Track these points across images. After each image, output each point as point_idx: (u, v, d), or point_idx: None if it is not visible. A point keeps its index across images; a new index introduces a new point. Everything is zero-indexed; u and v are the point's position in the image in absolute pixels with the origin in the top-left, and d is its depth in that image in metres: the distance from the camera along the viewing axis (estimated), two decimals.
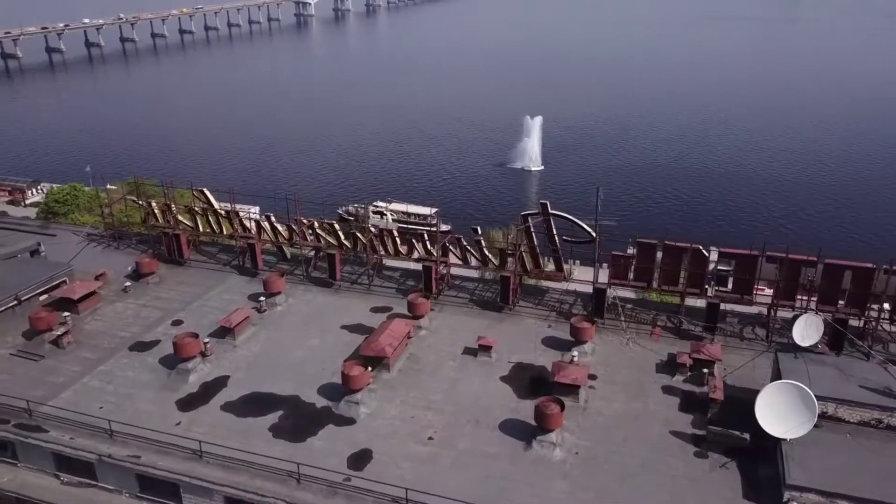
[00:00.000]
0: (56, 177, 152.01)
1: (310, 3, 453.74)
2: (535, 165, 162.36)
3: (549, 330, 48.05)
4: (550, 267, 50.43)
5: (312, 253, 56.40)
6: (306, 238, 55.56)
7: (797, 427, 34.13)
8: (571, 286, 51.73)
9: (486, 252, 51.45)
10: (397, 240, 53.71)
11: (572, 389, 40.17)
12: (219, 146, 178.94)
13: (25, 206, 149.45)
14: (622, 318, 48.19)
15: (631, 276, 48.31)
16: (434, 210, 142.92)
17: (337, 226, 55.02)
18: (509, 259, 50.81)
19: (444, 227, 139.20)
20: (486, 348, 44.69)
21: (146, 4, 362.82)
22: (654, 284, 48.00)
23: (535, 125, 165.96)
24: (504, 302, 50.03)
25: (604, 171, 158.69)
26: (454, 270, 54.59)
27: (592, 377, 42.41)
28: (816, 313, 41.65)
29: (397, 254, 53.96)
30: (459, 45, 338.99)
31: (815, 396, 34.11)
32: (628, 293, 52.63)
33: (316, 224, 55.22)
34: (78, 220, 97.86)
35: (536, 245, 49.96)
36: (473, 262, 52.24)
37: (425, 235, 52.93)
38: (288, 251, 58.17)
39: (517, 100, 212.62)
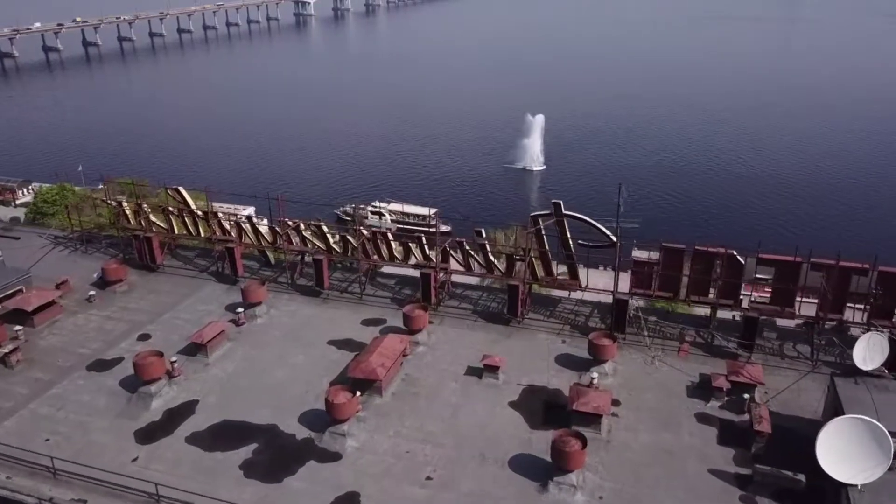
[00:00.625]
0: (49, 177, 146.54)
1: (309, 3, 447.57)
2: (537, 165, 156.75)
3: (564, 346, 42.11)
4: (563, 274, 44.36)
5: (298, 258, 50.35)
6: (291, 241, 49.59)
7: (867, 470, 28.12)
8: (587, 296, 45.66)
9: (492, 257, 45.47)
10: (392, 243, 47.72)
11: (594, 419, 34.22)
12: (216, 146, 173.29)
13: (16, 206, 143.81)
14: (645, 333, 42.26)
15: (655, 285, 42.37)
16: (434, 210, 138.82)
17: (325, 228, 49.02)
18: (517, 265, 44.88)
19: (444, 228, 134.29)
20: (492, 369, 38.73)
21: (155, 4, 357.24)
22: (682, 295, 42.06)
23: (537, 124, 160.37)
24: (512, 314, 44.02)
25: (608, 170, 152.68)
26: (456, 278, 48.63)
27: (615, 402, 36.43)
28: (880, 331, 35.58)
29: (392, 259, 47.99)
30: (459, 43, 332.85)
31: (889, 433, 28.18)
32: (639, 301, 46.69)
33: (302, 226, 49.24)
34: (66, 222, 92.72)
35: (548, 250, 43.98)
36: (477, 268, 46.29)
37: (423, 239, 46.92)
38: (272, 256, 52.08)
39: (518, 98, 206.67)
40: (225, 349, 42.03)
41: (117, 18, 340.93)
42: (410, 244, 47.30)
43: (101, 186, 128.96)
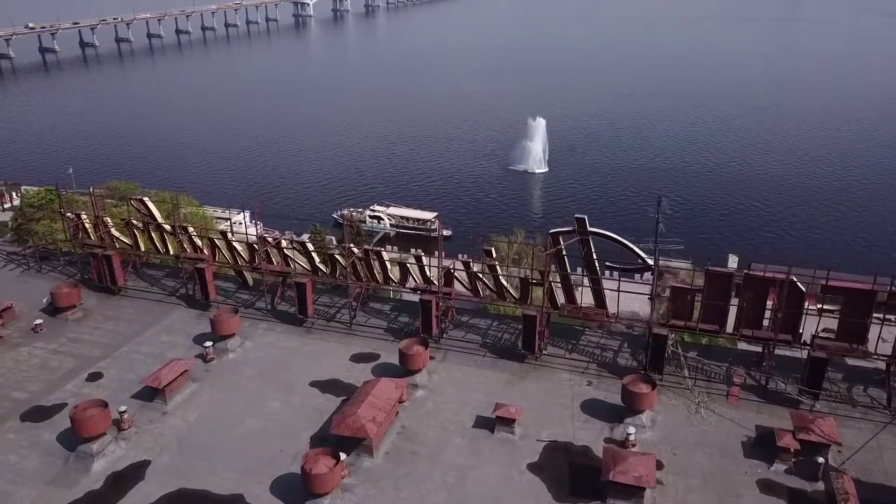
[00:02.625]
0: (40, 179, 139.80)
1: (308, 4, 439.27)
2: (540, 168, 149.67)
3: (590, 389, 34.91)
4: (588, 301, 37.17)
5: (279, 280, 43.04)
6: (271, 261, 42.32)
7: None
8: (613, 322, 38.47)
9: (504, 281, 38.25)
10: (387, 263, 40.48)
11: (635, 492, 27.04)
12: (212, 148, 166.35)
13: (4, 210, 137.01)
14: (686, 374, 35.06)
15: (697, 316, 35.18)
16: (434, 214, 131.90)
17: (310, 245, 41.78)
18: (534, 290, 37.69)
19: (446, 233, 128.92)
20: (506, 421, 31.49)
21: (154, 5, 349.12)
22: (730, 328, 34.89)
23: (540, 127, 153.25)
24: (528, 349, 36.77)
25: (614, 173, 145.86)
26: (461, 301, 41.34)
27: (658, 465, 29.20)
28: None
29: (387, 281, 40.75)
30: (460, 45, 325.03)
31: None
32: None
33: (283, 243, 42.00)
34: (51, 228, 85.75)
35: (570, 273, 36.81)
36: (486, 291, 39.09)
37: (423, 259, 39.63)
38: (249, 277, 44.76)
39: (520, 100, 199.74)
40: (188, 392, 34.79)
41: (115, 19, 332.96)
42: (408, 264, 40.04)
43: (92, 189, 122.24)
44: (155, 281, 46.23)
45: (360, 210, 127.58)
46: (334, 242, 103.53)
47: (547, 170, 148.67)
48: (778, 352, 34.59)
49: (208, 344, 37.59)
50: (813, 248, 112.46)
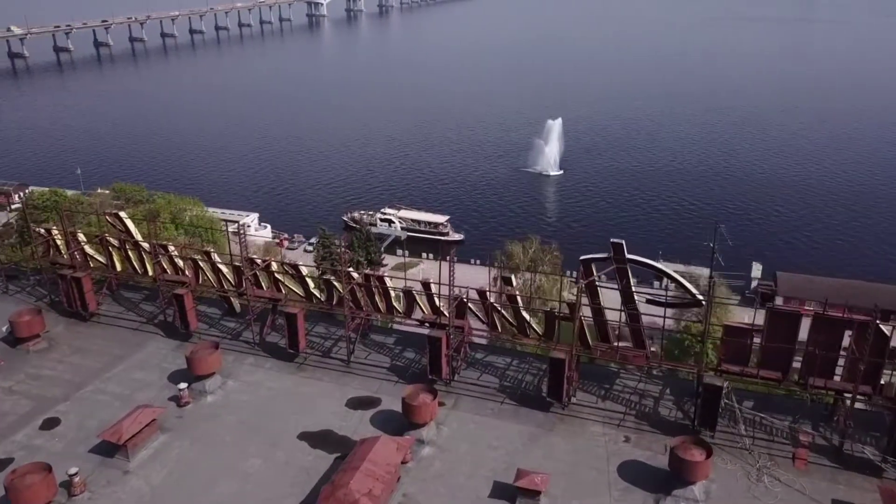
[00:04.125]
0: (50, 180, 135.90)
1: (322, 4, 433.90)
2: (554, 170, 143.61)
3: (629, 447, 29.03)
4: (625, 341, 31.27)
5: (270, 306, 37.39)
6: (260, 285, 36.74)
7: None
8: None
9: (525, 314, 32.43)
10: (391, 291, 34.76)
11: None
12: (222, 150, 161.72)
13: (10, 210, 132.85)
14: (743, 431, 29.10)
15: (755, 361, 29.25)
16: (446, 218, 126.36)
17: (304, 269, 36.09)
18: (560, 325, 31.83)
19: (457, 237, 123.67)
20: (530, 493, 25.67)
21: (168, 5, 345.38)
22: (796, 376, 28.93)
23: (555, 128, 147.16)
24: (554, 397, 30.88)
25: (631, 176, 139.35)
26: (475, 334, 35.53)
27: None
28: None
29: (391, 312, 35.05)
30: (474, 45, 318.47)
31: None
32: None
33: (274, 266, 36.39)
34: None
35: (604, 307, 30.95)
36: (504, 325, 33.31)
37: (431, 286, 33.83)
38: (237, 303, 39.12)
39: (534, 101, 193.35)
40: (155, 446, 29.26)
41: (128, 19, 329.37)
42: (415, 292, 34.30)
43: (99, 190, 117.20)
44: (132, 305, 40.70)
45: (370, 213, 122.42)
46: (343, 247, 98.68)
47: (561, 172, 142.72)
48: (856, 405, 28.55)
49: (183, 386, 32.02)
50: (840, 255, 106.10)
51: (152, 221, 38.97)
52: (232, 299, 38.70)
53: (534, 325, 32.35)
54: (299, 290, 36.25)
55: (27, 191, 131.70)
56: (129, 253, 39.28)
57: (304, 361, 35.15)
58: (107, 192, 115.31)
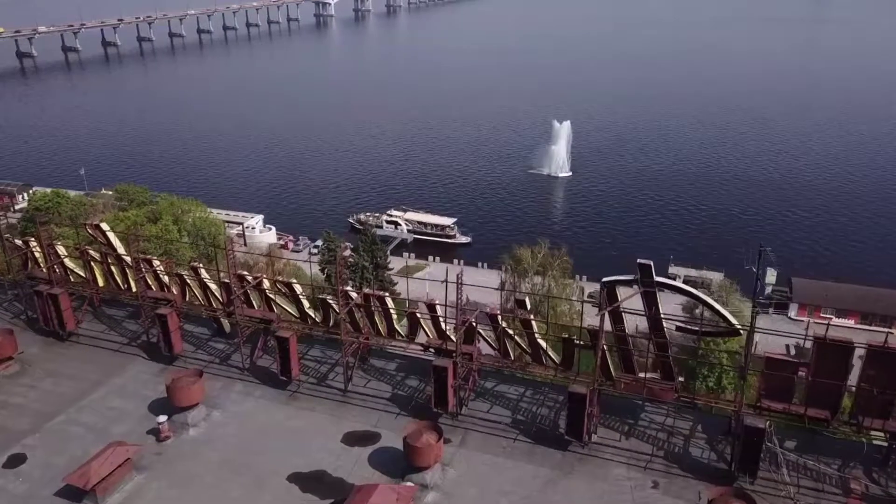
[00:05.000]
0: (54, 180, 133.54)
1: (329, 3, 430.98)
2: (563, 172, 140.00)
3: (657, 493, 25.61)
4: (653, 373, 27.83)
5: (262, 327, 34.07)
6: (251, 304, 33.47)
7: None
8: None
9: (540, 340, 29.05)
10: (393, 313, 31.42)
11: None
12: (228, 150, 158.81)
13: (14, 211, 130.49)
14: (787, 478, 25.62)
15: (797, 399, 25.80)
16: (453, 220, 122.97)
17: (298, 288, 32.78)
18: (579, 354, 28.43)
19: (464, 240, 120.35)
20: None
21: (176, 4, 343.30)
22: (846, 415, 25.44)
23: (564, 129, 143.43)
24: (574, 435, 27.46)
25: (639, 179, 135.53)
26: (482, 358, 32.07)
27: None
28: None
29: (392, 335, 31.72)
30: (482, 45, 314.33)
31: None
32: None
33: (266, 283, 33.12)
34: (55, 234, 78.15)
35: (629, 334, 27.52)
36: (517, 351, 29.92)
37: (437, 308, 30.46)
38: (226, 323, 35.82)
39: (543, 102, 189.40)
40: (128, 489, 26.04)
41: (136, 19, 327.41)
42: (419, 315, 30.96)
43: (103, 191, 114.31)
44: (114, 323, 37.48)
45: (376, 215, 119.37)
46: (349, 251, 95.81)
47: (571, 174, 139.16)
48: None
49: (162, 419, 28.77)
50: (858, 260, 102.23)
51: (134, 239, 35.55)
52: (221, 319, 35.41)
53: (551, 355, 28.92)
54: (293, 310, 32.95)
55: (31, 191, 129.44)
56: (112, 267, 36.09)
57: (298, 389, 31.85)
58: (109, 192, 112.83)
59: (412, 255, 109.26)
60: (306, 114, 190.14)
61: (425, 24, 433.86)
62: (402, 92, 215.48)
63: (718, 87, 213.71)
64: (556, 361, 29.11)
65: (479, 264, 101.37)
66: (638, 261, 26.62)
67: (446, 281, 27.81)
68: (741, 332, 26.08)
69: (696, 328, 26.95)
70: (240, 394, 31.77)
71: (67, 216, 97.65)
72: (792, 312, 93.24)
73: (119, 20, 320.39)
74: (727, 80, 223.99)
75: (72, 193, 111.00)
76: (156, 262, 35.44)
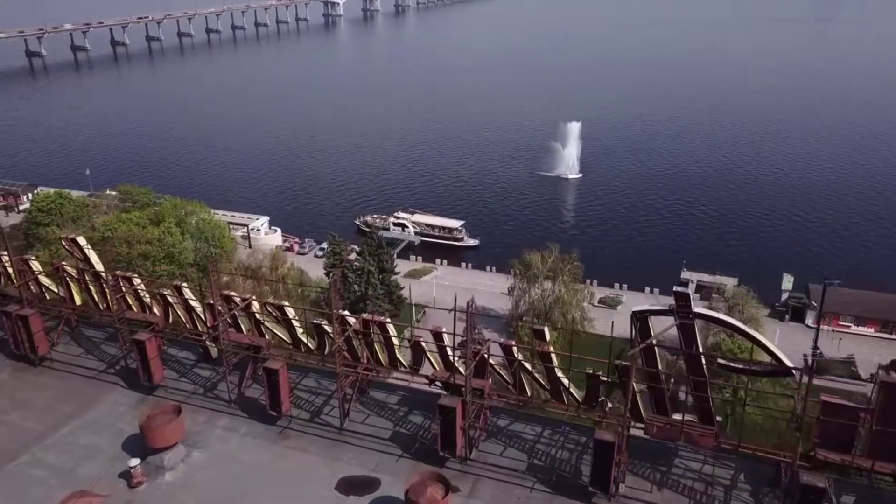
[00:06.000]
0: (59, 180, 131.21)
1: (338, 3, 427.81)
2: (573, 173, 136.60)
3: None
4: (689, 416, 24.15)
5: (251, 353, 30.56)
6: (239, 328, 29.98)
7: None
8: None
9: (562, 377, 25.43)
10: (395, 341, 27.88)
11: None
12: (234, 151, 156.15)
13: (19, 211, 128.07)
14: None
15: (859, 449, 22.11)
16: (461, 222, 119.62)
17: (291, 312, 29.26)
18: (606, 394, 24.83)
19: (472, 242, 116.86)
20: None
21: (185, 4, 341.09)
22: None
23: (573, 130, 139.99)
24: (599, 487, 23.80)
25: (650, 181, 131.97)
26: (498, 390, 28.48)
27: None
28: None
29: (394, 365, 28.17)
30: (491, 46, 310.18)
31: None
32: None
33: (256, 306, 29.62)
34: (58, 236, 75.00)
35: (663, 374, 23.89)
36: (534, 387, 26.32)
37: (444, 337, 26.88)
38: (213, 349, 32.30)
39: (552, 103, 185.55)
40: None
41: (145, 17, 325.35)
42: (423, 343, 27.39)
43: (108, 192, 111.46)
44: (92, 346, 34.04)
45: (383, 217, 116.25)
46: (354, 254, 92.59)
47: (580, 175, 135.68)
48: None
49: (134, 463, 25.32)
50: (878, 266, 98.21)
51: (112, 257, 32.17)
52: (207, 343, 31.95)
53: (573, 393, 25.31)
54: (285, 336, 29.46)
55: (35, 192, 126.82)
56: (90, 284, 32.69)
57: (288, 425, 28.33)
58: (114, 193, 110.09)
59: (419, 257, 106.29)
60: (313, 114, 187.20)
61: (434, 24, 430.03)
62: (410, 92, 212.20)
63: (729, 89, 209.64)
64: (579, 401, 25.49)
65: (488, 268, 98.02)
66: (675, 289, 23.05)
67: (454, 310, 24.20)
68: (794, 372, 22.41)
69: (744, 366, 23.29)
70: (224, 429, 28.28)
71: (69, 217, 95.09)
72: (809, 320, 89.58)
73: (139, 18, 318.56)
74: (741, 81, 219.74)
75: (75, 194, 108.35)
76: (136, 280, 31.98)
